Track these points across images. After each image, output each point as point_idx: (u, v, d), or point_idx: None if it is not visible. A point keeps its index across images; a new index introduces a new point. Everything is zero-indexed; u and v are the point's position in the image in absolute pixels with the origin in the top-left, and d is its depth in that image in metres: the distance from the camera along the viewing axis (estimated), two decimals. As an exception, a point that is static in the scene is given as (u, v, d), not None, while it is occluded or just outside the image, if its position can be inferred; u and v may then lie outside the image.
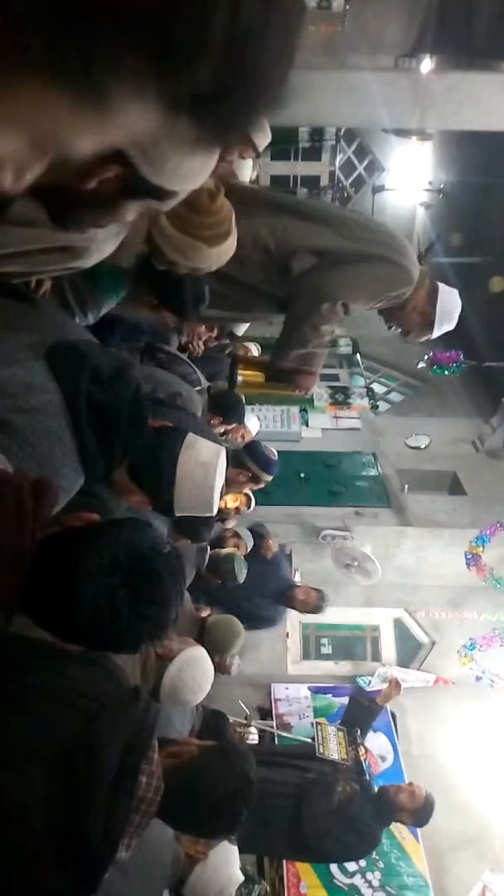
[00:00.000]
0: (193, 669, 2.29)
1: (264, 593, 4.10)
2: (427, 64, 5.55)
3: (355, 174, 11.49)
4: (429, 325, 2.68)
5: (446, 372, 6.31)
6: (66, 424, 1.26)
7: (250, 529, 3.97)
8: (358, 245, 2.46)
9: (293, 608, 4.22)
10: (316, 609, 4.22)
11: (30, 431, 1.21)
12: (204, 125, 0.38)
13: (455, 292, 2.73)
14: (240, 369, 3.07)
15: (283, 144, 10.70)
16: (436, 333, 2.71)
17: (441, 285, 2.68)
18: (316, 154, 11.28)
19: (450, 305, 2.66)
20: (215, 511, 1.66)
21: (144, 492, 1.55)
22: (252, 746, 3.85)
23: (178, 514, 1.60)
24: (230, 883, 2.18)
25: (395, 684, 3.94)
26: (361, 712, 3.92)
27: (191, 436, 1.62)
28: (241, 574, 3.48)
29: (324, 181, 11.47)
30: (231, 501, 3.59)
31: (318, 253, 2.44)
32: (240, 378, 3.02)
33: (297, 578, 4.98)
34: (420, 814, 3.45)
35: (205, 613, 3.17)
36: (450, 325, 2.71)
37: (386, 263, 2.49)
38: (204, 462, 1.58)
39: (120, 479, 1.48)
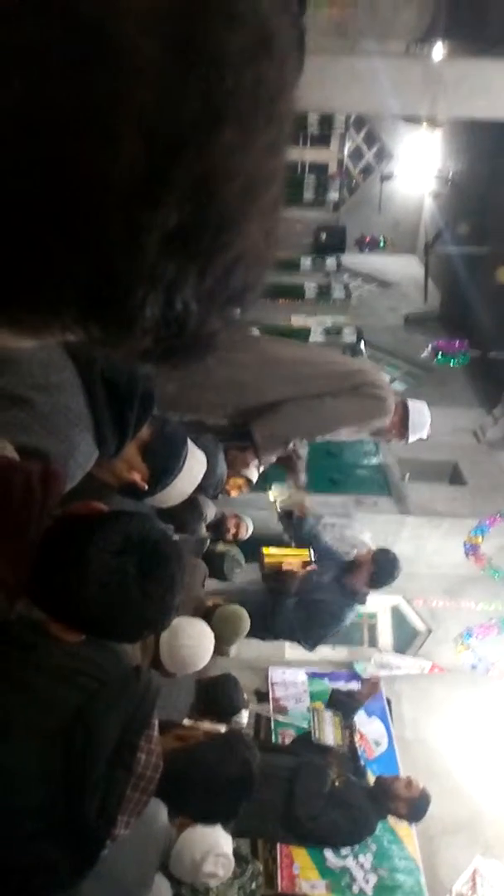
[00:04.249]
0: (185, 634, 2.32)
1: (324, 586, 3.77)
2: (439, 50, 5.50)
3: (364, 161, 11.41)
4: (404, 437, 2.99)
5: (451, 361, 6.30)
6: (83, 402, 1.29)
7: None
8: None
9: (357, 586, 3.74)
10: (384, 572, 3.73)
11: (49, 409, 1.23)
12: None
13: (423, 406, 3.03)
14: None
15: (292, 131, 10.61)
16: (412, 440, 3.01)
17: (411, 404, 2.97)
18: (325, 141, 11.21)
19: (420, 422, 2.97)
20: (169, 505, 1.76)
21: (152, 470, 1.58)
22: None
23: (154, 498, 1.68)
24: (217, 846, 2.21)
25: (373, 685, 4.04)
26: (342, 707, 3.96)
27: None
28: (233, 573, 3.48)
29: (332, 168, 11.40)
30: (233, 484, 3.60)
31: None
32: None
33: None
34: (415, 806, 3.50)
35: (211, 602, 3.16)
36: (423, 433, 3.02)
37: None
38: (199, 461, 1.77)
39: (128, 453, 1.50)
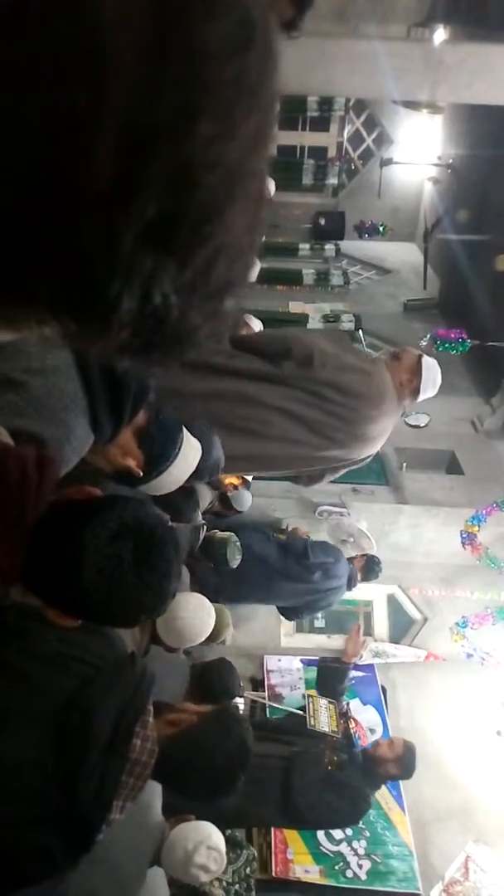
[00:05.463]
0: (180, 606, 2.32)
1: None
2: (440, 34, 5.42)
3: (363, 146, 11.34)
4: (415, 397, 2.92)
5: (451, 350, 6.28)
6: (79, 385, 1.27)
7: None
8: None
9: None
10: (371, 567, 4.38)
11: (45, 392, 1.21)
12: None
13: (435, 364, 2.96)
14: None
15: (291, 113, 10.54)
16: (421, 398, 2.95)
17: (424, 362, 2.92)
18: (324, 124, 11.12)
19: (431, 379, 2.91)
20: (164, 492, 1.75)
21: (147, 456, 1.57)
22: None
23: (149, 485, 1.67)
24: (209, 839, 2.21)
25: (356, 633, 4.02)
26: (332, 675, 4.01)
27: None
28: (234, 560, 3.48)
29: (331, 152, 11.32)
30: (228, 483, 3.60)
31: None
32: None
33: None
34: (403, 761, 3.53)
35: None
36: (432, 391, 2.95)
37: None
38: (195, 447, 1.74)
39: (123, 439, 1.49)
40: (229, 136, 0.29)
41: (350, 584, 4.31)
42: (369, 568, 4.39)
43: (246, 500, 3.84)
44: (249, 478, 3.77)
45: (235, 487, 3.75)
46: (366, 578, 4.41)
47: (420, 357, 2.92)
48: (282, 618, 5.48)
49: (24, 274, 0.29)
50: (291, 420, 2.63)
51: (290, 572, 4.15)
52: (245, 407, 2.56)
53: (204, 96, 0.28)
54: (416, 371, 2.88)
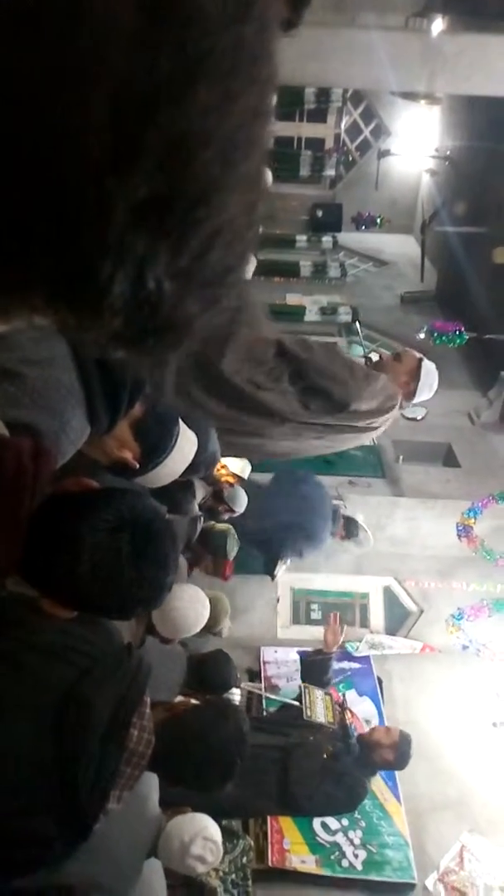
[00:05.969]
0: (175, 597, 2.33)
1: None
2: (438, 25, 5.39)
3: (361, 137, 11.29)
4: (410, 399, 2.97)
5: (449, 342, 6.28)
6: (76, 376, 1.27)
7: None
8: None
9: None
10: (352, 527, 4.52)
11: (41, 383, 1.21)
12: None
13: (433, 367, 2.98)
14: None
15: (288, 105, 10.48)
16: (416, 402, 3.01)
17: (424, 366, 2.95)
18: (321, 116, 11.07)
19: (428, 383, 2.96)
20: (159, 485, 1.76)
21: (144, 448, 1.57)
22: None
23: (145, 477, 1.67)
24: (205, 830, 2.22)
25: (333, 622, 4.01)
26: (315, 666, 4.02)
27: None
28: (233, 552, 3.48)
29: (328, 144, 11.28)
30: (224, 482, 3.60)
31: None
32: None
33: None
34: (399, 748, 3.55)
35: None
36: (429, 395, 3.01)
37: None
38: (191, 440, 1.75)
39: (120, 431, 1.49)
40: (227, 107, 0.28)
41: (334, 519, 4.41)
42: (348, 527, 4.54)
43: (242, 499, 3.84)
44: (245, 474, 3.77)
45: (231, 485, 3.74)
46: (345, 535, 4.54)
47: (420, 361, 2.96)
48: (278, 610, 5.50)
49: (19, 254, 0.29)
50: (299, 443, 2.74)
51: (281, 488, 4.32)
52: (258, 439, 2.65)
53: (201, 62, 0.27)
54: (415, 374, 2.92)
